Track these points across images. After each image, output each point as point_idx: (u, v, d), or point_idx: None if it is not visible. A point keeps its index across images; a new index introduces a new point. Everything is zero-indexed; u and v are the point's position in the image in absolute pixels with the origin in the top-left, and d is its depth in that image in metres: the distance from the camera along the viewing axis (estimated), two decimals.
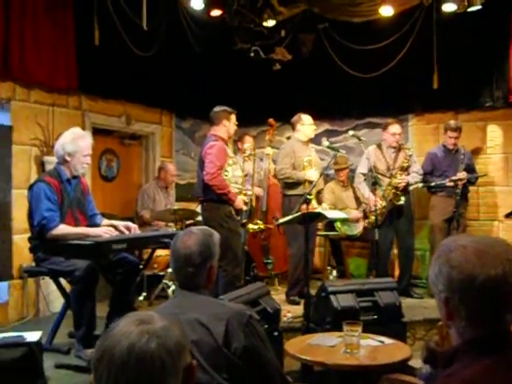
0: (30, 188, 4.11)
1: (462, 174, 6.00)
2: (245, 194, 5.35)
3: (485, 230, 6.73)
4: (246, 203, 5.33)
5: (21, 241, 5.05)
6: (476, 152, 6.83)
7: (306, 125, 5.80)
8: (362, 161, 6.19)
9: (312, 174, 5.59)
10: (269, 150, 6.62)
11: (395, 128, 6.05)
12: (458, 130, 6.12)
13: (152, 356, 1.09)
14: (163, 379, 1.10)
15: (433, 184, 6.14)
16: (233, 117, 5.25)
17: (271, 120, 6.52)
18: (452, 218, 5.99)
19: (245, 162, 5.90)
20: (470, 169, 6.19)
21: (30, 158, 5.41)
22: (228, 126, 5.22)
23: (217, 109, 5.27)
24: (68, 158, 4.15)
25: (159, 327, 1.14)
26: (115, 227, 4.32)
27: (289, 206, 5.60)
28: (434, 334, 4.72)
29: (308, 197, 4.68)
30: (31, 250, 4.19)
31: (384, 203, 5.83)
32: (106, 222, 4.46)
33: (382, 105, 7.05)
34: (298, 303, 5.41)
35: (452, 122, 6.21)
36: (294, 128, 5.90)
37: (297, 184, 5.66)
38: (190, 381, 1.17)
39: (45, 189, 4.00)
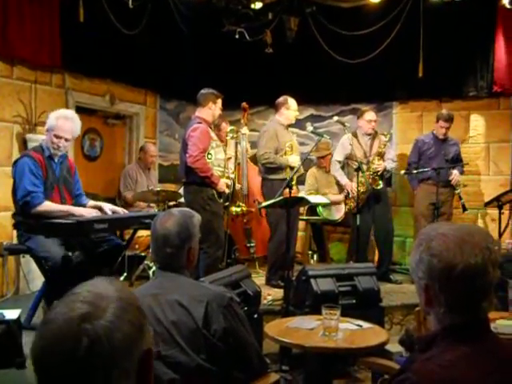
0: (15, 163, 4.08)
1: (455, 175, 6.08)
2: (228, 177, 5.34)
3: (466, 218, 6.80)
4: (228, 186, 5.32)
5: (1, 218, 5.01)
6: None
7: (290, 110, 5.67)
8: (337, 148, 6.22)
9: (294, 160, 5.53)
10: (245, 130, 6.55)
11: (371, 115, 6.08)
12: (450, 120, 6.15)
13: (93, 367, 0.95)
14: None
15: (420, 177, 6.18)
16: (219, 101, 5.23)
17: (244, 104, 6.48)
18: (436, 205, 6.05)
19: (228, 145, 5.88)
20: (456, 156, 6.25)
21: (12, 136, 5.34)
22: (213, 109, 5.19)
23: (204, 91, 5.23)
24: (46, 134, 4.14)
25: (102, 327, 0.96)
26: (101, 209, 4.30)
27: (271, 189, 5.48)
28: (411, 319, 4.79)
29: (291, 183, 4.66)
30: (15, 226, 4.16)
31: (363, 189, 5.86)
32: (91, 203, 4.43)
33: (367, 91, 7.05)
34: (279, 286, 5.41)
35: (445, 112, 6.22)
36: (277, 109, 5.76)
37: (279, 169, 5.57)
38: (146, 372, 1.04)
39: (29, 163, 3.97)
